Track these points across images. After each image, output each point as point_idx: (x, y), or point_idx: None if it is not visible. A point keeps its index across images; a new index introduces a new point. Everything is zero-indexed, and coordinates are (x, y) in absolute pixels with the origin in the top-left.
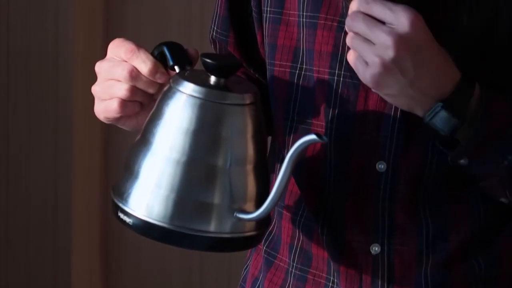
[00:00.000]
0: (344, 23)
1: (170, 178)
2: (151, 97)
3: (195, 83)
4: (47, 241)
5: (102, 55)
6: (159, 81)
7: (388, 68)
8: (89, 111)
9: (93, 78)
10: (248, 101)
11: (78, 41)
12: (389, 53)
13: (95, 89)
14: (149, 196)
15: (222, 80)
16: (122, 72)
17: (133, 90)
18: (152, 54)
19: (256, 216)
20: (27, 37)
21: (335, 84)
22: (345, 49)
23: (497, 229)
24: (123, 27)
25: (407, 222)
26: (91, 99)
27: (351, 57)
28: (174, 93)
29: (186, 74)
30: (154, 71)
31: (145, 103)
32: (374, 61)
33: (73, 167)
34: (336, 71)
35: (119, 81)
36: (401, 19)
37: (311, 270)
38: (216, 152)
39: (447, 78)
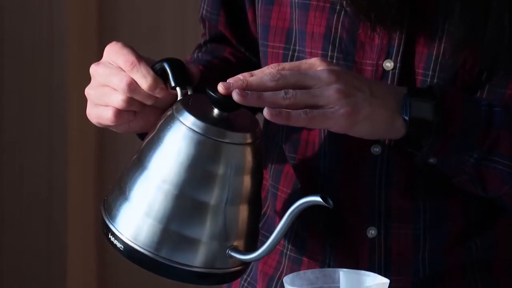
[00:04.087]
0: (337, 4)
1: (161, 208)
2: (146, 106)
3: (196, 116)
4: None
5: (97, 53)
6: (158, 95)
7: (347, 92)
8: (83, 115)
9: (87, 79)
10: (248, 141)
11: (71, 41)
12: (338, 81)
13: (89, 92)
14: (137, 221)
15: (225, 114)
16: (120, 84)
17: (130, 101)
18: (152, 68)
19: (250, 259)
20: (21, 42)
21: None
22: (338, 31)
23: (494, 213)
24: (117, 18)
25: (404, 206)
26: (85, 104)
27: (314, 120)
28: (174, 122)
29: (189, 103)
30: (154, 87)
31: (139, 111)
32: (335, 96)
33: (67, 172)
34: (329, 53)
35: (115, 89)
36: (311, 60)
37: (306, 253)
38: (210, 189)
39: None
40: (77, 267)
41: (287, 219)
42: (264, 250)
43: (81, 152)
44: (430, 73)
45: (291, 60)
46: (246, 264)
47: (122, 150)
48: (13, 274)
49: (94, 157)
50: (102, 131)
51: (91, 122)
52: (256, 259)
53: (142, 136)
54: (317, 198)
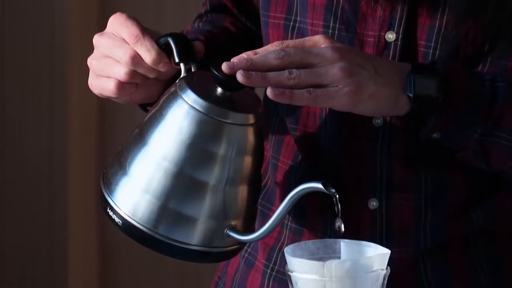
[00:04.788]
0: None
1: (159, 186)
2: (148, 78)
3: (199, 95)
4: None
5: (99, 22)
6: (161, 70)
7: (351, 71)
8: (84, 85)
9: (90, 51)
10: (251, 121)
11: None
12: (342, 59)
13: (92, 62)
14: (135, 197)
15: (229, 93)
16: (123, 56)
17: (132, 74)
18: (157, 42)
19: (248, 240)
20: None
21: None
22: (340, 2)
23: (496, 184)
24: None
25: (405, 177)
26: (86, 76)
27: (317, 99)
28: (177, 99)
29: (193, 80)
30: (157, 61)
31: (141, 83)
32: (339, 75)
33: (68, 145)
34: (331, 24)
35: (118, 62)
36: (315, 38)
37: (307, 224)
38: (210, 169)
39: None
40: (79, 241)
41: (286, 204)
42: (262, 233)
43: (82, 123)
44: (433, 45)
45: (292, 31)
46: (243, 243)
47: (124, 122)
48: (14, 243)
49: (95, 128)
50: (103, 102)
51: (92, 94)
52: (254, 241)
53: (144, 106)
54: (319, 185)
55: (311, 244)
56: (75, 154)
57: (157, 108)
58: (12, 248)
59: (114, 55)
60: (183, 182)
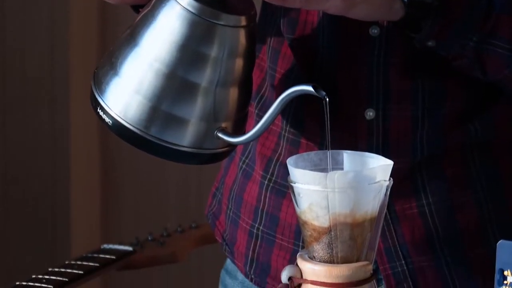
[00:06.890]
0: None
1: (150, 87)
2: None
3: None
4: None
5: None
6: None
7: None
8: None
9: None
10: (242, 23)
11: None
12: None
13: None
14: (126, 98)
15: None
16: None
17: None
18: None
19: (238, 142)
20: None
21: None
22: None
23: (493, 96)
24: None
25: (402, 87)
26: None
27: (310, 1)
28: (169, 0)
29: None
30: None
31: None
32: None
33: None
34: None
35: None
36: None
37: (304, 134)
38: (201, 70)
39: None
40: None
41: (276, 106)
42: (252, 135)
43: (82, 27)
44: None
45: None
46: (233, 146)
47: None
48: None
49: (96, 27)
50: (104, 15)
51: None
52: (243, 143)
53: (136, 8)
54: (309, 88)
55: (313, 155)
56: (75, 57)
57: (149, 8)
58: (13, 166)
59: None
60: (174, 84)
